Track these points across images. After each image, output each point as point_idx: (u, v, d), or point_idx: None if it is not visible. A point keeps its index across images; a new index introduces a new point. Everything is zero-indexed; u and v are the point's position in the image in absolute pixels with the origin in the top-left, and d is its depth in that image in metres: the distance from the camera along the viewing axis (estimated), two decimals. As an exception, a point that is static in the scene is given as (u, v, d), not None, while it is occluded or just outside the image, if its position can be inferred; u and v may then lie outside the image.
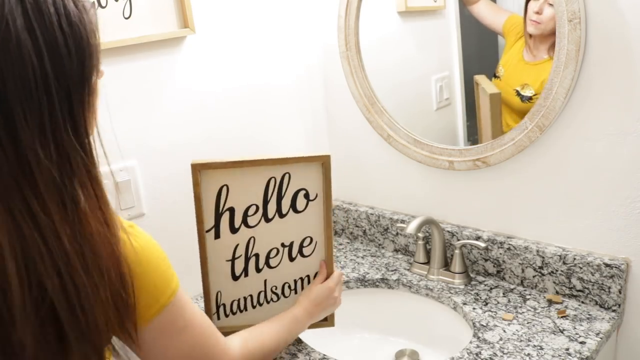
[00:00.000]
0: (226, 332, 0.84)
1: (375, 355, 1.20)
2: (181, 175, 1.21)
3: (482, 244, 1.17)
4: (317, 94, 1.48)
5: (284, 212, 0.98)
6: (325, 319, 1.04)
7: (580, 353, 0.94)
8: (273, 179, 0.96)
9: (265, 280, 1.01)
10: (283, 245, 0.99)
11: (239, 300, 1.00)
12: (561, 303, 1.10)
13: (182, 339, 0.71)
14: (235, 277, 0.99)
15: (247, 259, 0.99)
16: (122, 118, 1.11)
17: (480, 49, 1.20)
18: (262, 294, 1.01)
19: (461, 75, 1.26)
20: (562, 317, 1.05)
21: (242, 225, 0.97)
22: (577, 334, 1.00)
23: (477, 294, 1.17)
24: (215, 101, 1.25)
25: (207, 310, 1.00)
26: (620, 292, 1.04)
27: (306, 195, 0.98)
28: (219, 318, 1.00)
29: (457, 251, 1.21)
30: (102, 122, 1.11)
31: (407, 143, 1.28)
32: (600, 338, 0.98)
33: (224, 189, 0.95)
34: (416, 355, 1.16)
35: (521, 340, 0.99)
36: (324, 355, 1.02)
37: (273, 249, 0.99)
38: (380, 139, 1.34)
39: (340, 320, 1.26)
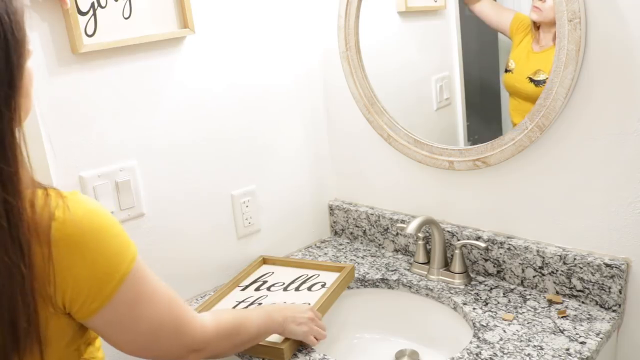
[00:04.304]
0: None
1: (375, 355, 1.20)
2: (181, 175, 1.21)
3: (482, 244, 1.17)
4: (317, 95, 1.48)
5: (300, 289, 1.23)
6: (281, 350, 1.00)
7: (580, 353, 0.94)
8: (305, 274, 1.29)
9: None
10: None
11: None
12: (561, 303, 1.10)
13: (150, 311, 0.70)
14: None
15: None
16: (121, 118, 1.11)
17: (480, 49, 1.20)
18: None
19: (461, 75, 1.26)
20: (562, 317, 1.05)
21: (265, 289, 1.26)
22: (577, 334, 1.00)
23: (477, 294, 1.16)
24: (215, 102, 1.25)
25: None
26: (620, 292, 1.04)
27: (323, 285, 1.23)
28: None
29: (457, 251, 1.21)
30: (102, 122, 1.11)
31: (407, 143, 1.28)
32: (601, 338, 0.98)
33: (269, 274, 1.32)
34: (416, 355, 1.16)
35: (521, 341, 0.99)
36: (324, 355, 1.02)
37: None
38: (380, 139, 1.34)
39: (340, 320, 1.26)
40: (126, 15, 1.07)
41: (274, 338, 1.02)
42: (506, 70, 1.17)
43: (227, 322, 0.85)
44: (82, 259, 0.62)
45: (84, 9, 1.01)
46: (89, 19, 1.02)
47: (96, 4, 1.02)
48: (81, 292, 0.62)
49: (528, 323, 1.05)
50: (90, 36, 1.03)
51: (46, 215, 0.60)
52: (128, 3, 1.06)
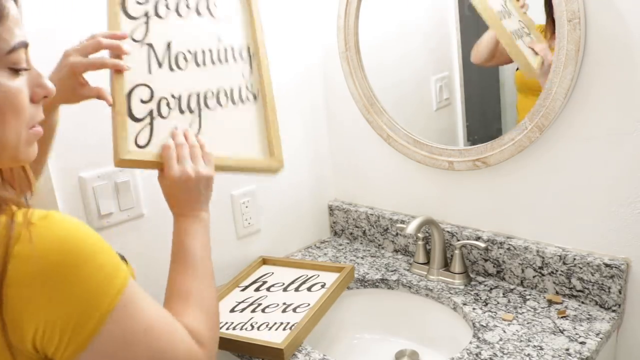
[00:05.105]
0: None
1: (375, 355, 1.20)
2: (181, 176, 1.21)
3: (482, 244, 1.17)
4: (317, 94, 1.48)
5: (300, 290, 1.23)
6: None
7: (580, 353, 0.94)
8: (305, 275, 1.29)
9: None
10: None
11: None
12: (561, 303, 1.10)
13: (144, 352, 0.59)
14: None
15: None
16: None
17: (480, 49, 1.20)
18: None
19: (461, 75, 1.25)
20: (562, 317, 1.05)
21: (265, 289, 1.25)
22: (577, 334, 1.00)
23: (477, 294, 1.16)
24: (214, 101, 1.25)
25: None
26: (620, 292, 1.04)
27: (323, 285, 1.22)
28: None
29: (457, 251, 1.21)
30: (102, 122, 1.11)
31: (406, 143, 1.28)
32: (600, 338, 0.98)
33: (269, 274, 1.32)
34: (416, 355, 1.16)
35: (521, 341, 0.99)
36: (324, 355, 1.02)
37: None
38: (380, 139, 1.34)
39: (340, 320, 1.26)
40: (194, 132, 0.89)
41: (274, 338, 1.02)
42: (518, 69, 1.18)
43: (207, 320, 0.73)
44: (49, 300, 0.51)
45: (139, 115, 0.84)
46: (143, 128, 0.84)
47: (155, 112, 0.85)
48: (54, 335, 0.52)
49: (528, 323, 1.05)
50: (141, 147, 0.83)
51: (2, 249, 0.50)
52: (198, 119, 0.89)
